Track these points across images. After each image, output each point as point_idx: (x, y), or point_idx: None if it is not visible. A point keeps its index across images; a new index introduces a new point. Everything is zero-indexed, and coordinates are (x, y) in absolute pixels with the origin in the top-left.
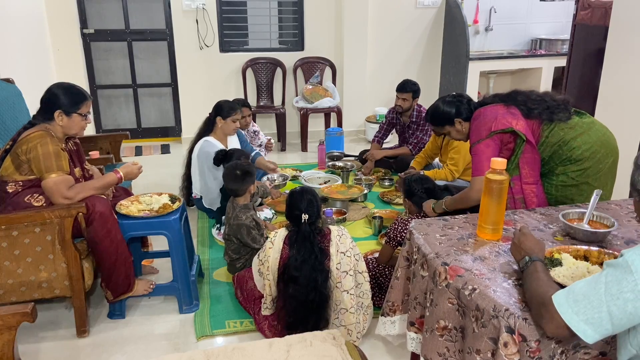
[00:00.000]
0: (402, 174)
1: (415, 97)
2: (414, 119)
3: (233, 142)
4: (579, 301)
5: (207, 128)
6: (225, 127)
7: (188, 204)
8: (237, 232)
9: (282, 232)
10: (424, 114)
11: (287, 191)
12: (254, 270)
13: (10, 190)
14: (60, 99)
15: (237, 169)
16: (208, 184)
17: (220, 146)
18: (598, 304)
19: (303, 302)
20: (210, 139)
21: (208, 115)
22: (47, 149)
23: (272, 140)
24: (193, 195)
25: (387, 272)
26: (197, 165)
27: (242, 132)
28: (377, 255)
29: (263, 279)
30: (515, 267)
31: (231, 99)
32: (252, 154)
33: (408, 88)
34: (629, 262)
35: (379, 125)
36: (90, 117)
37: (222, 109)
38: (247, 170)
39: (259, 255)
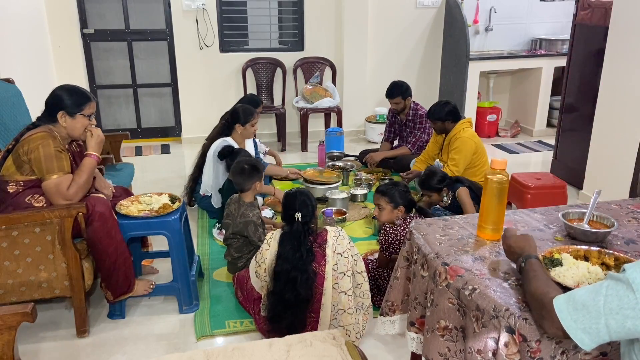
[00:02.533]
0: (404, 174)
1: (405, 97)
2: (410, 117)
3: (249, 147)
4: (578, 310)
5: (224, 131)
6: (244, 132)
7: (190, 204)
8: (243, 230)
9: (277, 234)
10: (420, 112)
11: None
12: (251, 272)
13: (11, 190)
14: (64, 100)
15: (246, 163)
16: (220, 182)
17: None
18: (596, 316)
19: (280, 299)
20: (229, 139)
21: (224, 120)
22: (48, 150)
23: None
24: (202, 193)
25: (385, 275)
26: (212, 163)
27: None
28: (377, 255)
29: (260, 280)
30: (515, 266)
31: (242, 96)
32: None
33: (395, 92)
34: (630, 281)
35: (384, 125)
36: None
37: (239, 116)
38: (255, 166)
39: (255, 257)
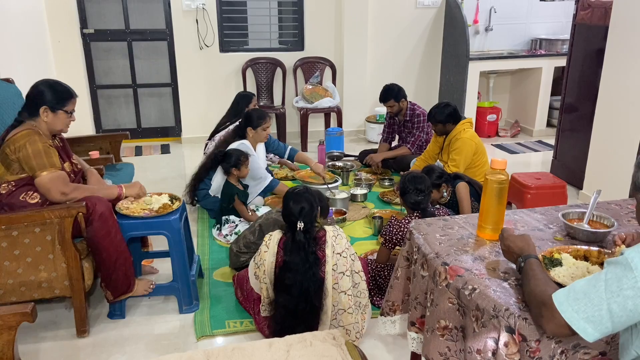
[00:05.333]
0: (404, 173)
1: (399, 100)
2: (408, 118)
3: (260, 148)
4: (579, 299)
5: (239, 133)
6: (256, 136)
7: (192, 203)
8: (269, 226)
9: (276, 235)
10: (417, 112)
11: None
12: (250, 273)
13: (4, 191)
14: (46, 95)
15: (243, 154)
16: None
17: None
18: (598, 302)
19: (292, 311)
20: (246, 142)
21: (238, 123)
22: (36, 147)
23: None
24: (212, 193)
25: (385, 274)
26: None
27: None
28: (376, 255)
29: (259, 282)
30: (514, 266)
31: (237, 93)
32: (288, 149)
33: (387, 96)
34: (629, 260)
35: (383, 125)
36: (75, 115)
37: (252, 120)
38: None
39: (254, 258)
